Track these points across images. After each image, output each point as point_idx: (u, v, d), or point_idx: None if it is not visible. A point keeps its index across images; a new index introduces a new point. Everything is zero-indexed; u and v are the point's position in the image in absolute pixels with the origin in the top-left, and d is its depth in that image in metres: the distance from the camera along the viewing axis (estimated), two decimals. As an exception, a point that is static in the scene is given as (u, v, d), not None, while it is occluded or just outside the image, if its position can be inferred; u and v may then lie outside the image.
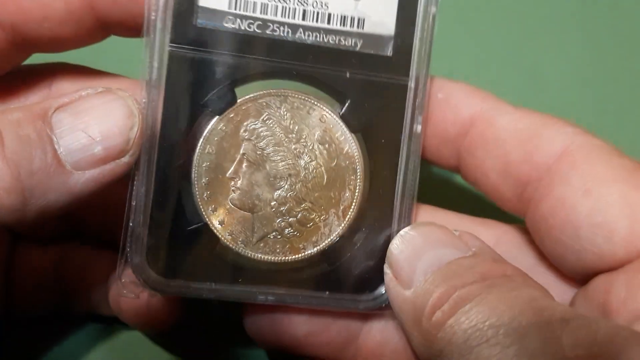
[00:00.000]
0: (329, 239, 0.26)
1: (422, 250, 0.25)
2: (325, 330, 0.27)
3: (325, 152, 0.26)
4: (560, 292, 0.27)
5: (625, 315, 0.23)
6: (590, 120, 0.31)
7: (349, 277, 0.26)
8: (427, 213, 0.28)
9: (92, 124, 0.23)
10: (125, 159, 0.24)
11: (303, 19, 0.26)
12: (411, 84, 0.26)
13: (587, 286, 0.26)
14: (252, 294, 0.26)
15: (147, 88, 0.24)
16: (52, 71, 0.27)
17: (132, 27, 0.25)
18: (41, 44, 0.26)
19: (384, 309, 0.26)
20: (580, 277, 0.26)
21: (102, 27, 0.26)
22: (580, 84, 0.39)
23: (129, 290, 0.25)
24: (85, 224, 0.31)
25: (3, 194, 0.22)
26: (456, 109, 0.27)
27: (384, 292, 0.26)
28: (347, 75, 0.26)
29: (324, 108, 0.26)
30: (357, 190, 0.26)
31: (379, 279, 0.26)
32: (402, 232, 0.26)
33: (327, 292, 0.26)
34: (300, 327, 0.27)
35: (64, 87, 0.27)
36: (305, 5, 0.26)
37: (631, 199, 0.24)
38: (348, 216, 0.26)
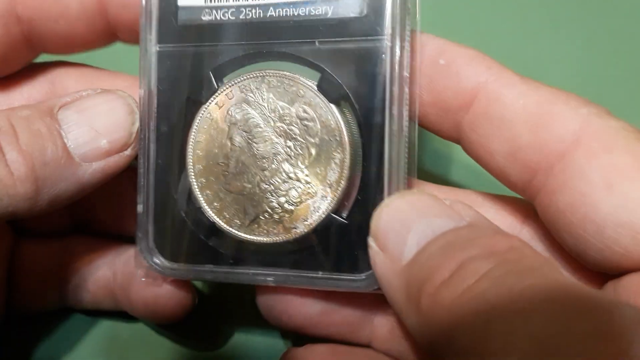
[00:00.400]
0: (319, 217, 0.25)
1: (410, 220, 0.22)
2: (339, 309, 0.27)
3: (306, 127, 0.25)
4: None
5: None
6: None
7: (342, 255, 0.25)
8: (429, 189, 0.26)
9: (96, 120, 0.25)
10: (128, 152, 0.26)
11: None
12: (387, 42, 0.24)
13: (619, 281, 0.23)
14: (250, 276, 0.26)
15: (141, 86, 0.27)
16: (54, 69, 0.30)
17: (137, 33, 0.27)
18: (52, 43, 0.28)
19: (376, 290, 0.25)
20: (602, 270, 0.23)
21: (111, 30, 0.28)
22: (580, 84, 0.35)
23: (141, 274, 0.28)
24: (88, 218, 0.32)
25: (17, 182, 0.24)
26: (458, 78, 0.24)
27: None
28: (316, 44, 0.25)
29: (301, 82, 0.25)
30: (343, 164, 0.25)
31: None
32: (386, 201, 0.23)
33: (320, 272, 0.25)
34: (314, 305, 0.27)
35: (67, 84, 0.29)
36: None
37: None
38: (337, 191, 0.25)
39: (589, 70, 0.36)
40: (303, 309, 0.27)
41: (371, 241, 0.23)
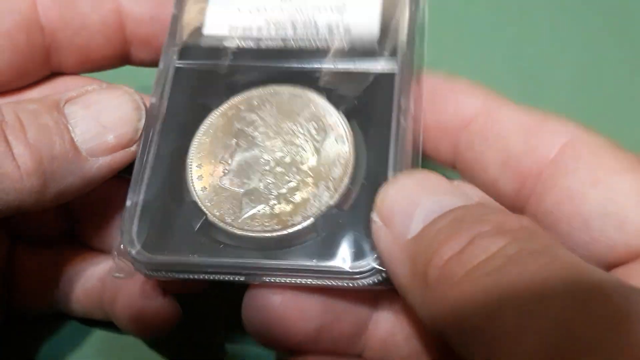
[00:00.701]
0: (319, 211, 0.25)
1: (417, 196, 0.22)
2: (337, 322, 0.25)
3: (313, 129, 0.27)
4: None
5: None
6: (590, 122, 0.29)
7: (341, 251, 0.24)
8: None
9: (103, 115, 0.26)
10: (134, 148, 0.26)
11: (294, 31, 0.29)
12: (397, 70, 0.27)
13: None
14: (242, 272, 0.25)
15: (153, 95, 0.28)
16: (52, 82, 0.30)
17: (150, 49, 0.29)
18: (70, 57, 0.29)
19: (381, 285, 0.24)
20: None
21: (126, 47, 0.29)
22: (581, 85, 0.38)
23: (120, 269, 0.25)
24: (83, 227, 0.31)
25: (25, 176, 0.23)
26: (457, 102, 0.27)
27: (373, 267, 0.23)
28: (333, 66, 0.28)
29: (313, 93, 0.27)
30: (348, 164, 0.26)
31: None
32: (392, 179, 0.23)
33: (319, 266, 0.24)
34: (311, 321, 0.25)
35: (67, 82, 0.30)
36: (295, 22, 0.29)
37: None
38: (339, 189, 0.25)
39: (590, 71, 0.38)
40: (298, 325, 0.25)
41: (375, 216, 0.22)
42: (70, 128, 0.25)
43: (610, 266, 0.23)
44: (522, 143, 0.25)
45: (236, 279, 0.25)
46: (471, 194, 0.23)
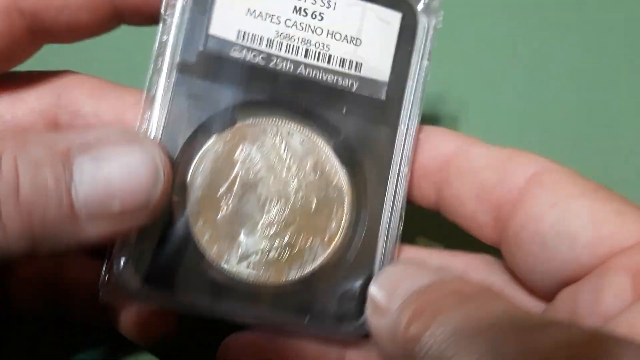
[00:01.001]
0: (313, 266, 0.27)
1: (400, 282, 0.25)
2: None
3: (315, 181, 0.27)
4: None
5: (594, 319, 0.24)
6: (591, 122, 0.33)
7: (329, 305, 0.27)
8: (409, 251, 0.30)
9: (114, 175, 0.23)
10: (143, 215, 0.24)
11: (305, 56, 0.28)
12: (401, 129, 0.28)
13: (554, 300, 0.27)
14: (231, 313, 0.27)
15: (149, 104, 0.26)
16: (61, 79, 0.28)
17: (146, 15, 0.27)
18: (57, 34, 0.26)
19: (361, 338, 0.27)
20: (550, 292, 0.27)
21: (117, 15, 0.27)
22: (581, 85, 0.40)
23: (110, 296, 0.26)
24: None
25: (11, 239, 0.22)
26: (435, 146, 0.29)
27: (362, 322, 0.27)
28: (343, 111, 0.28)
29: (318, 140, 0.28)
30: (343, 221, 0.27)
31: (360, 310, 0.27)
32: (381, 271, 0.27)
33: (307, 318, 0.27)
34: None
35: (74, 97, 0.27)
36: (308, 44, 0.28)
37: (595, 209, 0.25)
38: (333, 245, 0.27)
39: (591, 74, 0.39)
40: None
41: (368, 306, 0.26)
42: (73, 189, 0.22)
43: (564, 283, 0.25)
44: (494, 176, 0.27)
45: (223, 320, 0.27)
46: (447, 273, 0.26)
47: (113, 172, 0.23)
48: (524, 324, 0.21)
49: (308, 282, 0.27)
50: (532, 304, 0.28)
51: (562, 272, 0.25)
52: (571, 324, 0.22)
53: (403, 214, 0.28)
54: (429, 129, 0.29)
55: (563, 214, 0.25)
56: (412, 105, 0.28)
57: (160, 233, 0.26)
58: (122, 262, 0.26)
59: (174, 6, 0.27)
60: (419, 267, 0.26)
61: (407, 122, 0.28)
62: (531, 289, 0.28)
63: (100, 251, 0.26)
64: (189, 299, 0.26)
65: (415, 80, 0.28)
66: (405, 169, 0.28)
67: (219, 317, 0.27)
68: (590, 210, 0.25)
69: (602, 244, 0.24)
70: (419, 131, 0.29)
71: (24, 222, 0.22)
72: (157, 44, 0.27)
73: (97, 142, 0.23)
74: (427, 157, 0.29)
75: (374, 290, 0.26)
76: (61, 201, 0.22)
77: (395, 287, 0.25)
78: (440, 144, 0.29)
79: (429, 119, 0.31)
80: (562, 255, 0.25)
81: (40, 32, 0.26)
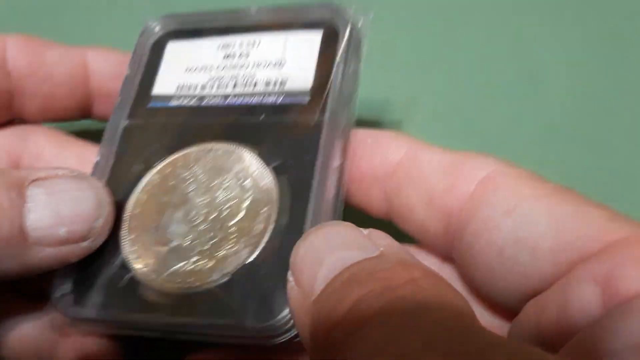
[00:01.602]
0: (238, 267, 0.25)
1: (324, 253, 0.21)
2: None
3: (240, 186, 0.27)
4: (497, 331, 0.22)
5: (560, 335, 0.20)
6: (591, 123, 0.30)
7: (256, 308, 0.24)
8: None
9: (62, 206, 0.25)
10: (85, 244, 0.25)
11: (234, 87, 0.29)
12: (326, 127, 0.27)
13: (519, 315, 0.22)
14: (162, 328, 0.25)
15: (100, 154, 0.29)
16: (29, 127, 0.30)
17: (112, 107, 0.30)
18: (33, 105, 0.29)
19: (294, 339, 0.23)
20: (513, 308, 0.23)
21: (89, 101, 0.30)
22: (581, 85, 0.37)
23: (54, 325, 0.27)
24: None
25: None
26: (384, 150, 0.27)
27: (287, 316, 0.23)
28: (267, 121, 0.28)
29: (244, 150, 0.28)
30: (269, 221, 0.26)
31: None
32: (304, 235, 0.23)
33: (231, 324, 0.24)
34: None
35: (39, 144, 0.30)
36: (236, 78, 0.30)
37: (555, 213, 0.22)
38: (259, 246, 0.25)
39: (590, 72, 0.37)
40: None
41: (289, 275, 0.22)
42: (26, 213, 0.24)
43: (528, 296, 0.22)
44: (443, 181, 0.24)
45: (153, 335, 0.25)
46: (379, 242, 0.21)
47: (62, 202, 0.25)
48: (469, 343, 0.16)
49: (235, 286, 0.25)
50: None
51: (524, 284, 0.22)
52: (526, 348, 0.17)
53: (340, 210, 0.26)
54: (377, 133, 0.28)
55: (520, 220, 0.22)
56: (337, 105, 0.27)
57: (95, 255, 0.27)
58: (58, 287, 0.27)
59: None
60: (348, 233, 0.22)
61: (333, 120, 0.27)
62: (491, 305, 0.24)
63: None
64: (121, 317, 0.26)
65: (339, 84, 0.28)
66: (335, 164, 0.26)
67: (156, 333, 0.25)
68: (549, 214, 0.22)
69: (565, 251, 0.21)
70: (362, 134, 0.28)
71: None
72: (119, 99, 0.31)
73: (49, 177, 0.26)
74: (376, 163, 0.27)
75: (295, 262, 0.22)
76: (13, 222, 0.24)
77: (318, 259, 0.21)
78: (390, 149, 0.27)
79: (378, 123, 0.29)
80: (522, 266, 0.22)
81: (19, 100, 0.29)
